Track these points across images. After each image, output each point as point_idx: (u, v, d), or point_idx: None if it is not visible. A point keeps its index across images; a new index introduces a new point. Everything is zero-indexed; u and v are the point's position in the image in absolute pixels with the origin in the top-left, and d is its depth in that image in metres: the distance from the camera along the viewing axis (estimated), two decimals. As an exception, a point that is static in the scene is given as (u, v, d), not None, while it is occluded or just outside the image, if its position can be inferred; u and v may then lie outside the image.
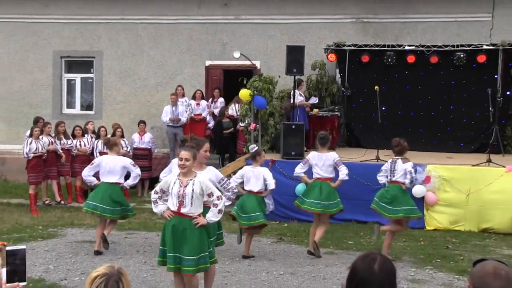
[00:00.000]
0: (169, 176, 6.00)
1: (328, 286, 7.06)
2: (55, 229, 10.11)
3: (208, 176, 6.21)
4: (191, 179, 5.64)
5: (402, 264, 8.02)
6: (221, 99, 14.50)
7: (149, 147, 13.95)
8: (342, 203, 8.67)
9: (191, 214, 5.64)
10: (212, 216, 5.72)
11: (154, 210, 6.00)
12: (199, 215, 5.68)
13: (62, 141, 12.69)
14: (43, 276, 7.22)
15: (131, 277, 2.17)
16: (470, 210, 10.45)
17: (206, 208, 5.85)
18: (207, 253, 5.77)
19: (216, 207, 5.69)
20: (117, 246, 8.93)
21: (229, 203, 6.33)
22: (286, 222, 10.86)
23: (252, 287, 7.03)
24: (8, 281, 2.47)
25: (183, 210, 5.63)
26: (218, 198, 5.70)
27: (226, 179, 6.42)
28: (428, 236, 9.99)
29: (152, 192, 5.99)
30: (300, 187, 10.81)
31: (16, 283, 2.48)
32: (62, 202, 12.49)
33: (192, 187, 5.59)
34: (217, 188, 6.19)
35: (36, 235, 9.56)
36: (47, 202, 12.30)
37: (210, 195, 5.67)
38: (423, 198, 10.53)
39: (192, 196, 5.59)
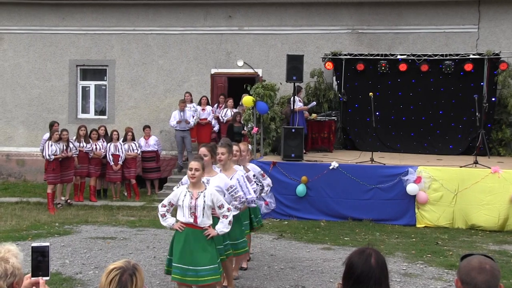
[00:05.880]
0: (178, 189, 5.71)
1: (325, 280, 7.03)
2: (71, 226, 10.11)
3: (217, 182, 5.92)
4: (202, 191, 5.50)
5: (395, 259, 7.99)
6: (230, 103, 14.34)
7: (156, 149, 13.93)
8: (342, 202, 8.31)
9: (203, 225, 5.50)
10: (223, 227, 5.55)
11: (163, 223, 5.69)
12: (209, 226, 5.54)
13: (81, 144, 12.68)
14: (60, 270, 7.21)
15: (141, 271, 2.19)
16: (458, 208, 10.42)
17: (215, 219, 5.65)
18: (217, 264, 5.56)
19: (226, 219, 5.54)
20: (129, 242, 8.91)
21: (236, 212, 6.03)
22: (286, 219, 10.83)
23: (255, 280, 7.01)
24: (32, 275, 2.46)
25: (198, 222, 5.45)
26: (228, 210, 5.57)
27: (235, 186, 6.06)
28: (419, 233, 9.95)
29: (159, 205, 5.68)
30: (300, 188, 10.82)
31: (39, 277, 2.47)
32: (69, 201, 12.44)
33: (204, 199, 5.47)
34: (225, 195, 5.95)
35: (53, 232, 9.56)
36: (60, 203, 12.24)
37: (220, 207, 5.53)
38: (415, 196, 10.53)
39: (203, 208, 5.46)
